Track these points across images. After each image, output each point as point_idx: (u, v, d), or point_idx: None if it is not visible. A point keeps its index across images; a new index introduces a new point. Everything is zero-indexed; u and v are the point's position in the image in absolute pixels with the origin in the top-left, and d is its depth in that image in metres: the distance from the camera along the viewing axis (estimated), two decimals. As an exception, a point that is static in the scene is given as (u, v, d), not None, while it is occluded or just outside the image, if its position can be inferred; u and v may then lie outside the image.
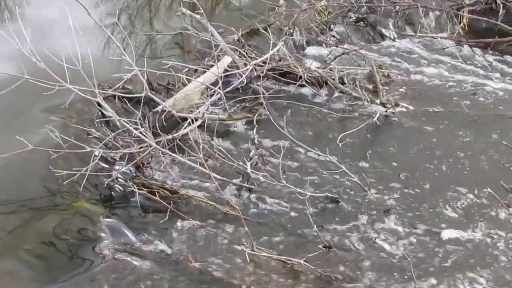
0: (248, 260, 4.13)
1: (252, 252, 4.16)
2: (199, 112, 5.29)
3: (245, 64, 5.78)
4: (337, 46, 6.84)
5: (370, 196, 4.85)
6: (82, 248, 4.16)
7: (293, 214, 4.68)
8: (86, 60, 4.54)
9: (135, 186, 4.62)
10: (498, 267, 4.31)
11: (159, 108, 5.20)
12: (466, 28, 7.36)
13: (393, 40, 7.37)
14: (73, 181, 4.42)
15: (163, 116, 5.15)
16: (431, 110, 6.02)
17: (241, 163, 4.85)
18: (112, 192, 4.66)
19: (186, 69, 5.84)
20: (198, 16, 6.16)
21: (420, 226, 4.62)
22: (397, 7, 7.57)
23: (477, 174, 5.19)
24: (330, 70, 6.24)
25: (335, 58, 6.57)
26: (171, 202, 4.57)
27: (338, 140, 5.26)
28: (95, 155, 4.58)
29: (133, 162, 4.78)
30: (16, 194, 4.42)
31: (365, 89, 6.10)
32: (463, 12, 7.38)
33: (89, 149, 4.58)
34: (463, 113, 5.95)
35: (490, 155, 5.40)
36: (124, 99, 5.31)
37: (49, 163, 4.44)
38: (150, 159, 4.94)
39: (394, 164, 5.25)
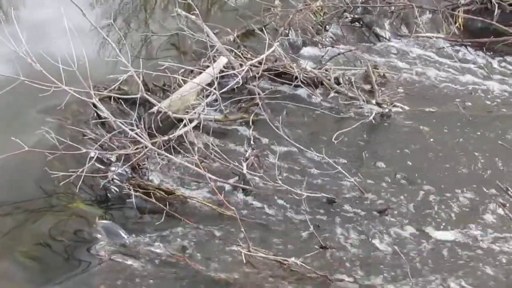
0: (244, 261, 4.13)
1: (249, 253, 4.16)
2: (195, 113, 5.28)
3: (241, 65, 5.78)
4: (332, 47, 6.85)
5: (366, 196, 4.85)
6: (78, 249, 4.16)
7: (289, 214, 4.68)
8: (81, 61, 4.54)
9: (131, 187, 4.61)
10: (494, 267, 4.32)
11: (155, 109, 5.20)
12: (462, 28, 7.36)
13: (389, 40, 7.36)
14: (69, 182, 4.42)
15: (159, 117, 5.13)
16: (427, 110, 6.02)
17: (237, 164, 4.85)
18: (108, 193, 4.65)
19: (182, 70, 5.83)
20: (193, 17, 6.14)
21: (415, 226, 4.63)
22: (393, 8, 7.56)
23: (473, 174, 5.20)
24: (326, 70, 6.23)
25: (330, 59, 6.56)
26: (167, 203, 4.57)
27: (333, 138, 5.26)
28: (91, 156, 4.58)
29: (129, 163, 4.78)
30: (12, 196, 4.42)
31: (361, 90, 6.10)
32: (459, 12, 7.38)
33: (84, 150, 4.58)
34: (459, 113, 5.95)
35: (486, 155, 5.40)
36: (120, 100, 5.30)
37: (45, 165, 4.43)
38: (146, 160, 4.93)
39: (390, 164, 5.26)
